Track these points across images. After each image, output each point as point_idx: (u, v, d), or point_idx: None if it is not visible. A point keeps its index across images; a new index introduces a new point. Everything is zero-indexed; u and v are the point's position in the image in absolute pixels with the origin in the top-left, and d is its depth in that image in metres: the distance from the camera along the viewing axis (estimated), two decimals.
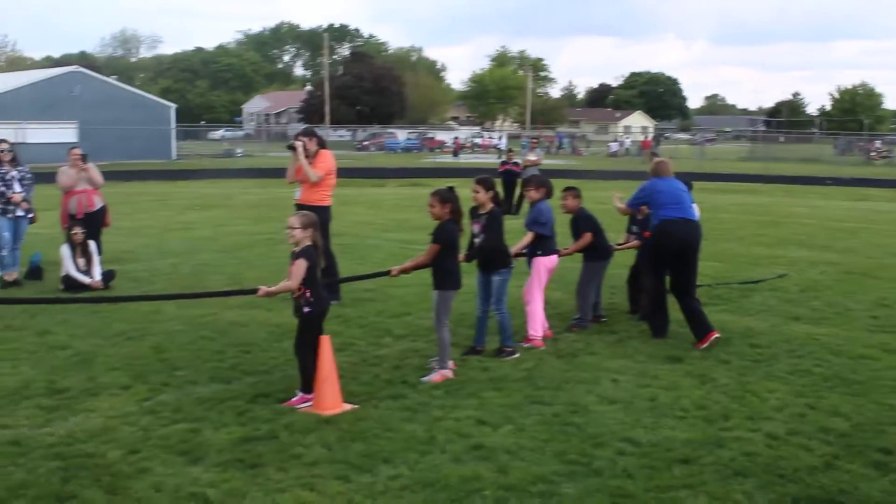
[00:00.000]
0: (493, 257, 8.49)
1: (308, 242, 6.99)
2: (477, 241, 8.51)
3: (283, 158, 17.44)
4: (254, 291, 7.27)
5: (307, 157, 10.70)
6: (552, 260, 9.37)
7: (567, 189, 10.09)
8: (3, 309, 10.23)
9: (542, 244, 9.27)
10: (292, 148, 10.73)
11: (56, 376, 7.74)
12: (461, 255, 8.46)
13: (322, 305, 7.10)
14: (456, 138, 77.90)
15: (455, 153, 65.97)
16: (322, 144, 11.01)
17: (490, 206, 8.44)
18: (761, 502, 5.33)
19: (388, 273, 8.41)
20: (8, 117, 44.66)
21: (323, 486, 5.45)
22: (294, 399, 7.03)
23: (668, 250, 9.29)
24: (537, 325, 9.09)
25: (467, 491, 5.39)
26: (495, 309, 8.58)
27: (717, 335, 9.00)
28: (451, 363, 8.04)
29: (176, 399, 7.12)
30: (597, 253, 9.98)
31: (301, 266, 6.88)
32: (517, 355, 8.51)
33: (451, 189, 7.87)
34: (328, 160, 10.89)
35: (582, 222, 9.97)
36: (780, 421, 6.75)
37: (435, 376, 7.72)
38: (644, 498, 5.33)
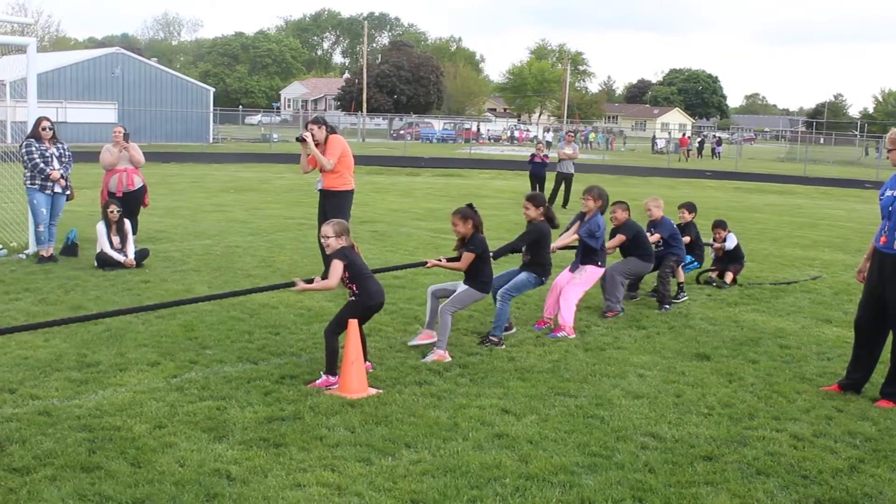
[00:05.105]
0: (530, 263, 8.89)
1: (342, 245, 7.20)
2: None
3: None
4: (291, 285, 7.41)
5: (317, 144, 10.78)
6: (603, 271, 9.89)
7: (616, 203, 10.37)
8: (38, 283, 10.40)
9: (598, 255, 9.63)
10: (301, 140, 10.80)
11: (87, 350, 7.85)
12: None
13: (372, 299, 7.26)
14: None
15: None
16: (332, 130, 11.07)
17: (539, 220, 8.89)
18: (783, 502, 5.29)
19: (424, 264, 8.68)
20: (50, 96, 45.25)
21: (344, 467, 5.48)
22: (319, 381, 7.10)
23: None
24: (570, 316, 9.19)
25: (487, 478, 5.40)
26: (501, 297, 8.71)
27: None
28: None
29: (203, 377, 7.20)
30: (641, 259, 10.42)
31: (337, 266, 7.09)
32: (503, 346, 8.56)
33: (470, 206, 8.27)
34: (338, 144, 10.95)
35: (620, 228, 10.40)
36: (806, 422, 6.68)
37: (432, 356, 7.92)
38: (665, 493, 5.30)
